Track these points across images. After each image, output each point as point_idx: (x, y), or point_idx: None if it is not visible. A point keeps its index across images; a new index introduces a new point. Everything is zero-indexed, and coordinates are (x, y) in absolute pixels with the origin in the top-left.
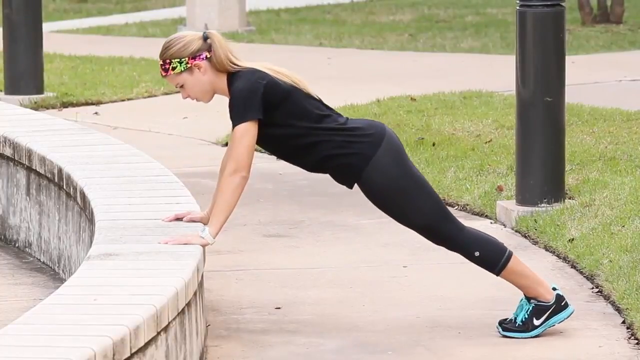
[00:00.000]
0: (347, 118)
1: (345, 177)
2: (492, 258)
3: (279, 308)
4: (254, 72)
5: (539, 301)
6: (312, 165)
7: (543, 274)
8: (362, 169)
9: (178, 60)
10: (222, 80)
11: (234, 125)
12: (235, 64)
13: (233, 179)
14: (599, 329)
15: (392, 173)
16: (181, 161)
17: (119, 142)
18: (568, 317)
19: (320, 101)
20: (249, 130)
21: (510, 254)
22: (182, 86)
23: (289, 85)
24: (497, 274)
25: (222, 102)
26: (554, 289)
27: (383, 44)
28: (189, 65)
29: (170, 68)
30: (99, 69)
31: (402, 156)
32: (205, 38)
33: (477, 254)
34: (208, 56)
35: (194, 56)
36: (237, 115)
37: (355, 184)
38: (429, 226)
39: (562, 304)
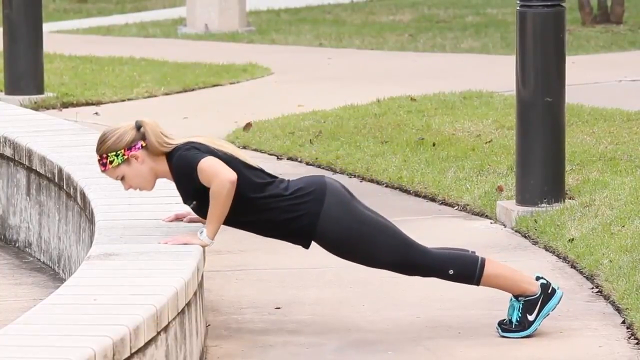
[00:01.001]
0: (288, 181)
1: (300, 239)
2: (467, 271)
3: (279, 308)
4: (192, 143)
5: (526, 297)
6: (263, 231)
7: (543, 274)
8: (314, 226)
9: (114, 153)
10: (162, 163)
11: (195, 168)
12: (169, 143)
13: (222, 187)
14: (599, 329)
15: (344, 221)
16: None
17: None
18: (559, 301)
19: (261, 170)
20: (209, 157)
21: (483, 261)
22: (122, 178)
23: (228, 155)
24: (477, 284)
25: (222, 103)
26: (538, 278)
27: (383, 44)
28: (125, 157)
29: (108, 162)
30: (99, 69)
31: (349, 202)
32: (139, 127)
33: (451, 272)
34: (144, 145)
35: (129, 147)
36: (193, 159)
37: (313, 242)
38: (396, 261)
39: (549, 291)
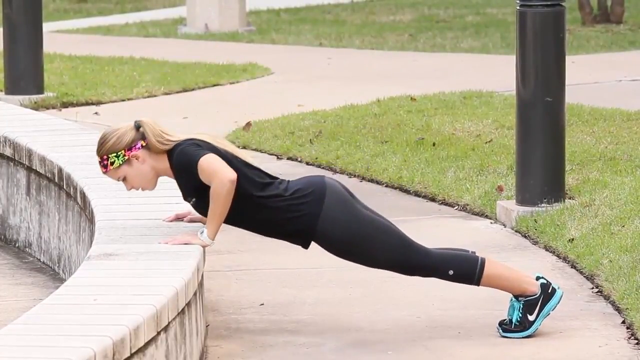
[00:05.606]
0: (288, 181)
1: (300, 239)
2: (467, 271)
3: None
4: (193, 139)
5: (526, 297)
6: (263, 230)
7: (543, 274)
8: (314, 227)
9: (115, 154)
10: (164, 161)
11: (195, 165)
12: (170, 140)
13: (222, 186)
14: (599, 329)
15: (344, 222)
16: None
17: None
18: (559, 301)
19: (260, 170)
20: (209, 155)
21: (483, 261)
22: (124, 179)
23: (229, 154)
24: (477, 285)
25: (222, 103)
26: (538, 277)
27: (383, 44)
28: (126, 158)
29: (109, 163)
30: (99, 69)
31: (349, 202)
32: (138, 127)
33: (451, 272)
34: (144, 144)
35: (129, 147)
36: (193, 156)
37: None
38: (396, 262)
39: (549, 290)
